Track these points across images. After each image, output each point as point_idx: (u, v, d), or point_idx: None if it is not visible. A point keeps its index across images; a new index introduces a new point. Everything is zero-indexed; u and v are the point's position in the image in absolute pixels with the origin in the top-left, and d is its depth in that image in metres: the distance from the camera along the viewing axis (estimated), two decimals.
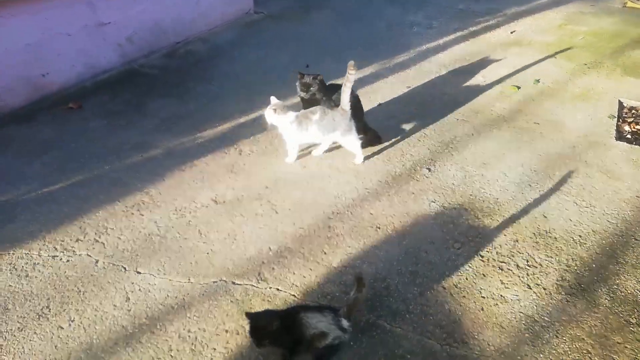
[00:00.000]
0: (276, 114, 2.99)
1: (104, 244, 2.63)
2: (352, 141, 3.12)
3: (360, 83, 4.13)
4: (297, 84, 3.20)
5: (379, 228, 2.68)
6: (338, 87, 3.35)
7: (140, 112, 3.84)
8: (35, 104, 3.94)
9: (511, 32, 5.25)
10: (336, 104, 3.26)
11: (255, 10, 6.11)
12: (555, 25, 5.44)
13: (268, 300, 2.28)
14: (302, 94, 3.19)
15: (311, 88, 3.14)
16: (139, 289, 2.36)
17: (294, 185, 3.04)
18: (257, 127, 3.54)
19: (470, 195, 2.90)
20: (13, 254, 2.55)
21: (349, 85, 2.92)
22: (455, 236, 2.60)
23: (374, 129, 3.42)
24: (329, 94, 3.24)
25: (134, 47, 4.74)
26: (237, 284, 2.37)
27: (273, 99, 3.04)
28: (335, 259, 2.50)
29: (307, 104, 3.23)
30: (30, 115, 3.79)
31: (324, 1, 6.46)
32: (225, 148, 3.44)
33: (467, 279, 2.36)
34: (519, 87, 4.09)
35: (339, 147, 3.39)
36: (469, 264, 2.44)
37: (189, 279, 2.41)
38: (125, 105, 3.94)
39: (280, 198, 2.94)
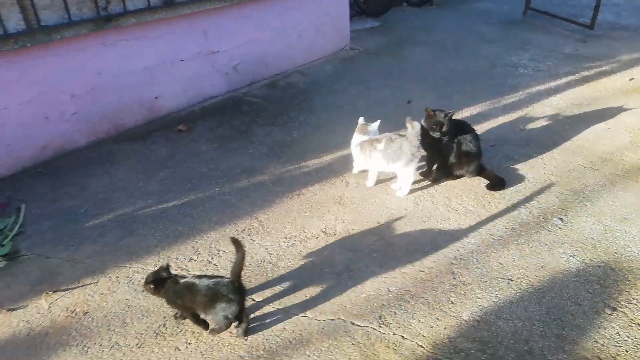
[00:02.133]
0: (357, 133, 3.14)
1: (216, 265, 2.56)
2: (409, 173, 3.02)
3: (468, 121, 3.93)
4: (424, 121, 3.06)
5: (512, 281, 2.42)
6: (460, 126, 3.20)
7: (247, 138, 3.87)
8: (149, 124, 4.09)
9: (630, 79, 4.88)
10: (459, 144, 3.11)
11: (351, 46, 6.16)
12: None
13: (393, 348, 2.08)
14: (432, 133, 3.04)
15: (444, 127, 2.99)
16: (255, 317, 2.24)
17: (409, 224, 2.86)
18: None
19: (615, 252, 2.58)
20: (130, 267, 2.54)
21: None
22: (605, 299, 2.29)
23: (491, 170, 3.21)
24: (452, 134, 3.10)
25: (239, 76, 4.86)
26: (357, 325, 2.20)
27: (361, 119, 3.17)
28: (464, 310, 2.27)
29: (433, 142, 3.09)
30: (145, 135, 3.92)
31: (419, 39, 6.42)
32: (331, 179, 3.35)
33: (627, 351, 2.04)
34: None
35: (454, 186, 3.20)
36: (627, 334, 2.11)
37: (305, 313, 2.26)
38: (233, 131, 3.99)
39: (395, 236, 2.77)
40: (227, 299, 1.99)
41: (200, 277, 2.08)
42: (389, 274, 2.49)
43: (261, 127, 4.06)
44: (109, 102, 3.81)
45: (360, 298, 2.35)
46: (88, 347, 2.10)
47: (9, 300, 2.36)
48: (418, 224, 2.86)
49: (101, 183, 3.27)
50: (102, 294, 2.38)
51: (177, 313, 2.20)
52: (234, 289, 2.01)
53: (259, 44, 4.93)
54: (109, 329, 2.19)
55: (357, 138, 3.16)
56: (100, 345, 2.11)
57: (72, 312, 2.29)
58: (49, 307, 2.31)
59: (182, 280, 2.07)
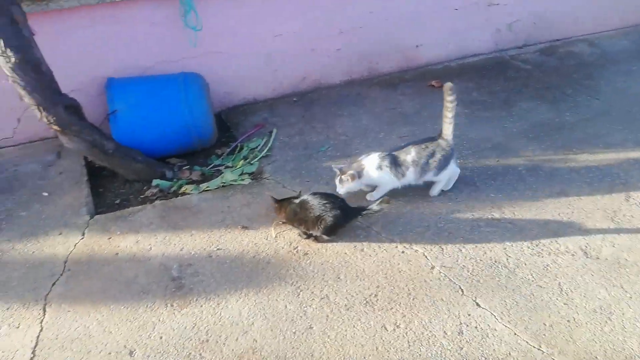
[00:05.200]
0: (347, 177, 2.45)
1: (443, 249, 2.27)
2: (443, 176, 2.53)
3: None
4: None
5: None
6: None
7: (505, 110, 3.34)
8: (402, 72, 3.90)
9: None
10: None
11: None
12: None
13: None
14: None
15: None
16: (476, 327, 1.90)
17: None
18: None
19: None
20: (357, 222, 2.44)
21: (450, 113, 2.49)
22: None
23: None
24: None
25: (510, 35, 4.23)
26: None
27: (334, 167, 2.51)
28: None
29: None
30: (396, 83, 3.76)
31: None
32: (606, 185, 2.63)
33: None
34: None
35: None
36: None
37: (540, 346, 1.82)
38: (491, 97, 3.50)
39: None
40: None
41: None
42: None
43: (525, 100, 3.46)
44: (370, 43, 3.73)
45: (620, 355, 1.77)
46: (301, 290, 2.09)
47: (245, 218, 2.52)
48: None
49: (345, 125, 3.26)
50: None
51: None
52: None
53: (545, 0, 4.15)
54: (323, 278, 2.14)
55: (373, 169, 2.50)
56: (312, 292, 2.08)
57: (294, 248, 2.32)
58: (276, 237, 2.39)
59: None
